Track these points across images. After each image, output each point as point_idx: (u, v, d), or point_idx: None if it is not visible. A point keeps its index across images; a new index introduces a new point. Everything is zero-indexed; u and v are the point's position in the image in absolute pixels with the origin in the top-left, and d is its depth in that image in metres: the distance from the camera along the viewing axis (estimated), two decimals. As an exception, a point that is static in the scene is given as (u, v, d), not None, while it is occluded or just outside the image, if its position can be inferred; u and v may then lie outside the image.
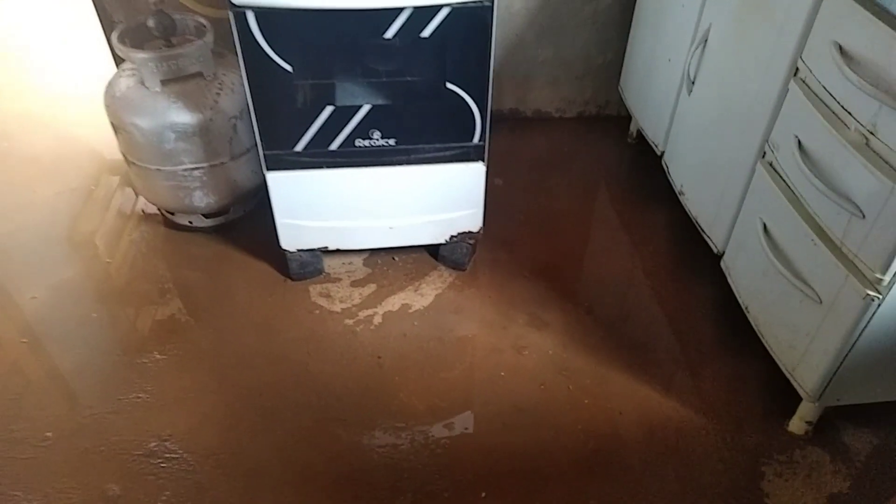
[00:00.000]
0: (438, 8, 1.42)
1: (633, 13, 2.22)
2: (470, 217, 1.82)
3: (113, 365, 1.64)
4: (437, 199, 1.76)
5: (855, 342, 1.23)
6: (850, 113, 1.18)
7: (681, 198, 1.92)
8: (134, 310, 1.79)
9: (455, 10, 1.42)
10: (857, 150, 1.15)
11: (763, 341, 1.51)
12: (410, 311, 1.80)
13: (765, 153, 1.46)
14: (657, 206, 2.15)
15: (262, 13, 1.38)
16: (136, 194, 2.12)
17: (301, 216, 1.74)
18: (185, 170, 1.79)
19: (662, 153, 2.05)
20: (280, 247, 1.80)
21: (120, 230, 2.03)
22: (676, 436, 1.51)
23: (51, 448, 1.46)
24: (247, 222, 2.05)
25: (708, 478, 1.43)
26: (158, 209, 2.06)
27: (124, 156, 1.87)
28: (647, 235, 2.07)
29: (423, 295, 1.85)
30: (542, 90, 2.49)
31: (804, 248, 1.32)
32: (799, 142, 1.31)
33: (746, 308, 1.57)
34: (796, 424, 1.49)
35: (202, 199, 1.87)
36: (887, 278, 1.13)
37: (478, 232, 1.86)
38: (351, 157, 1.64)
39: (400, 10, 1.41)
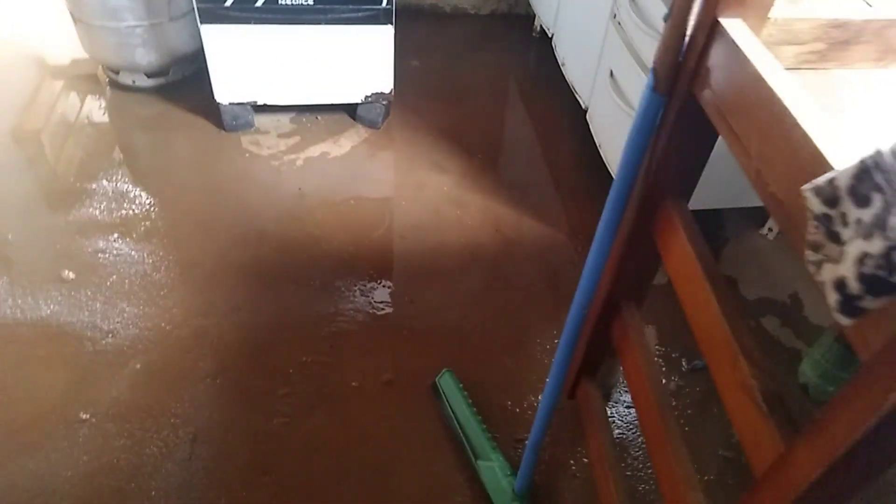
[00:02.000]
0: None
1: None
2: (381, 78, 2.11)
3: (70, 188, 1.90)
4: (351, 58, 2.04)
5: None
6: (661, -36, 1.52)
7: (562, 69, 2.26)
8: (86, 157, 2.04)
9: None
10: (664, -7, 1.49)
11: (611, 173, 1.87)
12: (329, 157, 2.10)
13: (615, 14, 1.80)
14: (549, 85, 2.48)
15: None
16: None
17: (233, 69, 2.00)
18: (128, 27, 2.02)
19: (552, 37, 2.37)
20: (215, 100, 2.07)
21: (70, 96, 2.26)
22: (541, 246, 1.87)
23: (12, 245, 1.73)
24: (186, 84, 2.30)
25: (562, 275, 1.80)
26: (104, 70, 2.28)
27: (71, 14, 2.08)
28: (538, 106, 2.41)
29: (340, 146, 2.15)
30: (460, -12, 2.78)
31: (634, 81, 1.67)
32: (631, -5, 1.65)
33: (600, 145, 1.93)
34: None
35: (144, 56, 2.11)
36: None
37: (389, 93, 2.15)
38: (275, 14, 1.90)
39: None
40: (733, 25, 0.67)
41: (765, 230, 1.95)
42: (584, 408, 1.12)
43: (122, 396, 1.42)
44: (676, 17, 0.69)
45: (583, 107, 2.09)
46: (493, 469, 1.33)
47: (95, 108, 2.19)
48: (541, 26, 2.65)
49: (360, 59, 2.06)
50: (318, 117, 2.24)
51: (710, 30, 0.67)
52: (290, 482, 1.32)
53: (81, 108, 2.19)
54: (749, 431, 0.60)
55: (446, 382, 1.49)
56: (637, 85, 1.65)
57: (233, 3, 1.86)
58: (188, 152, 2.08)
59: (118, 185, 1.93)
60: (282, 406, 1.44)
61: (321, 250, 1.79)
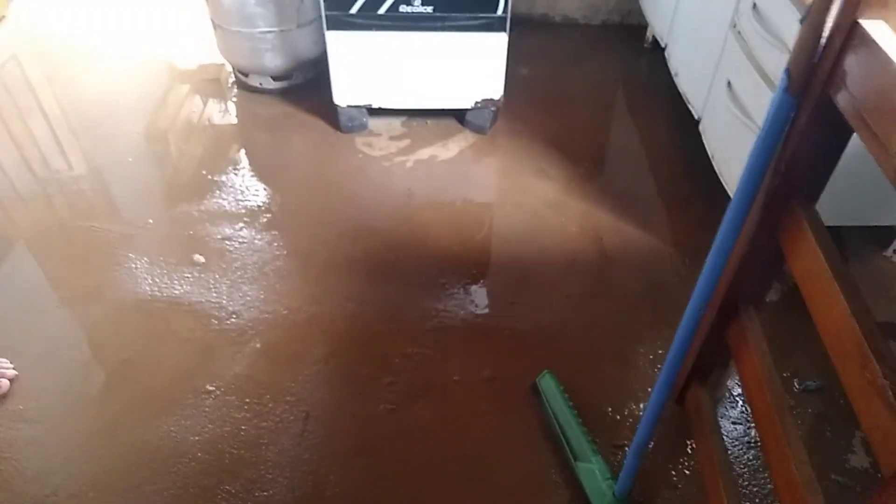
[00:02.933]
0: None
1: (654, -74, 2.50)
2: (492, 85, 2.16)
3: (201, 180, 2.08)
4: (464, 65, 2.11)
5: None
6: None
7: (675, 80, 2.23)
8: (217, 153, 2.22)
9: None
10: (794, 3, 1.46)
11: (724, 185, 1.83)
12: (437, 160, 2.17)
13: (735, 23, 1.76)
14: (659, 96, 2.45)
15: None
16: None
17: (352, 73, 2.12)
18: (260, 32, 2.19)
19: (665, 47, 2.34)
20: (333, 102, 2.19)
21: (203, 98, 2.46)
22: (644, 256, 1.85)
23: (152, 229, 1.91)
24: (307, 87, 2.45)
25: (666, 288, 1.77)
26: (235, 73, 2.47)
27: (212, 20, 2.27)
28: (646, 116, 2.39)
29: (448, 150, 2.21)
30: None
31: (755, 92, 1.63)
32: (754, 4, 1.61)
33: (713, 156, 1.89)
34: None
35: (272, 60, 2.27)
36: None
37: (499, 100, 2.20)
38: (396, 21, 2.00)
39: None
40: (875, 27, 0.66)
41: (889, 252, 1.84)
42: (693, 414, 1.11)
43: (243, 372, 1.54)
44: (814, 17, 0.69)
45: (695, 118, 2.05)
46: (592, 471, 1.33)
47: (225, 109, 2.38)
48: (653, 36, 2.63)
49: (473, 66, 2.12)
50: (428, 121, 2.32)
51: (849, 31, 0.66)
52: (392, 466, 1.38)
53: (213, 108, 2.38)
54: (879, 432, 0.59)
55: (546, 383, 1.50)
56: (757, 95, 1.61)
57: (358, 10, 1.97)
58: (307, 150, 2.21)
59: (244, 179, 2.08)
60: (387, 394, 1.51)
61: (427, 248, 1.86)
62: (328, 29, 2.01)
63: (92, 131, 2.27)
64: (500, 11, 1.99)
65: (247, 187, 2.05)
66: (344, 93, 2.17)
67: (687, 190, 2.07)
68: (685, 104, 2.14)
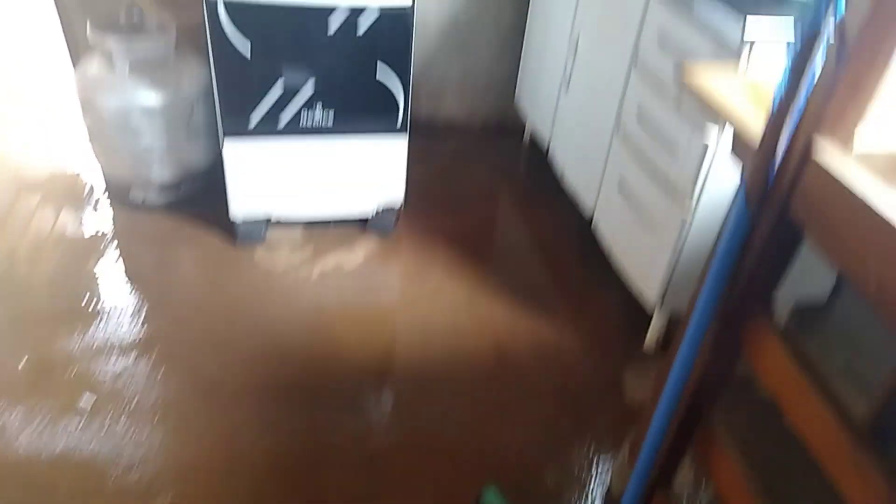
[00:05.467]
0: (369, 9, 1.81)
1: (523, 42, 2.71)
2: (394, 189, 2.18)
3: (81, 309, 1.86)
4: (366, 171, 2.11)
5: (679, 254, 1.67)
6: (664, 83, 1.65)
7: (563, 180, 2.37)
8: (96, 277, 2.01)
9: (384, 12, 1.82)
10: (673, 111, 1.61)
11: (622, 275, 1.94)
12: (344, 269, 2.11)
13: (618, 125, 1.92)
14: (545, 192, 2.60)
15: (231, 5, 1.73)
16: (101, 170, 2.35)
17: (250, 185, 2.04)
18: (146, 145, 2.06)
19: (548, 147, 2.50)
20: (228, 218, 2.08)
21: (74, 213, 2.25)
22: (556, 352, 1.89)
23: (24, 373, 1.65)
24: (195, 199, 2.31)
25: (591, 384, 1.81)
26: (110, 192, 2.29)
27: (89, 133, 2.11)
28: (537, 212, 2.51)
29: (354, 256, 2.17)
30: (453, 101, 2.93)
31: (644, 189, 1.76)
32: (638, 109, 1.78)
33: (610, 252, 2.00)
34: (650, 339, 1.91)
35: (159, 173, 2.13)
36: (692, 202, 1.58)
37: (401, 203, 2.21)
38: (296, 130, 1.97)
39: (338, 8, 1.79)
40: (829, 148, 0.70)
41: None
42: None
43: (153, 535, 1.33)
44: (766, 138, 0.75)
45: (587, 216, 2.18)
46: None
47: (103, 226, 2.18)
48: (531, 135, 2.80)
49: (374, 171, 2.12)
50: (329, 227, 2.27)
51: (804, 152, 0.72)
52: None
53: (83, 224, 2.18)
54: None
55: (491, 498, 1.44)
56: (651, 195, 1.74)
57: (257, 123, 1.92)
58: (202, 269, 2.06)
59: (131, 305, 1.89)
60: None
61: (346, 365, 1.77)
62: (225, 138, 1.94)
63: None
64: (399, 117, 2.03)
65: (135, 315, 1.86)
66: (241, 206, 2.08)
67: (587, 284, 2.16)
68: (575, 201, 2.28)
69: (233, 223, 2.11)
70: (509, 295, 2.07)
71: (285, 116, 1.94)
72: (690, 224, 1.61)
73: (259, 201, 2.09)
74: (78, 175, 2.39)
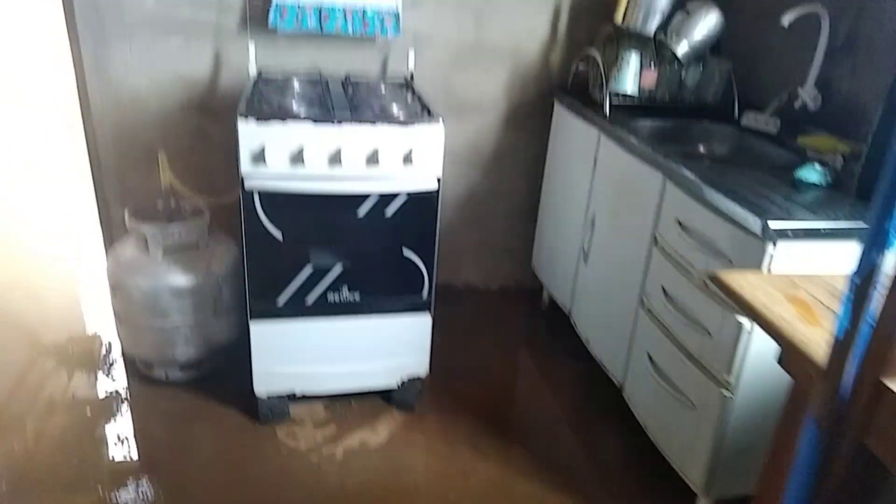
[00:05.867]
0: (399, 195, 1.91)
1: (538, 209, 2.84)
2: (419, 362, 2.17)
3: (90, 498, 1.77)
4: (391, 345, 2.12)
5: (724, 435, 1.62)
6: (692, 265, 1.69)
7: (587, 346, 2.36)
8: (112, 460, 1.95)
9: (411, 196, 1.92)
10: (700, 291, 1.64)
11: (661, 451, 1.87)
12: (368, 447, 2.05)
13: (643, 301, 1.95)
14: (568, 356, 2.58)
15: (265, 195, 1.83)
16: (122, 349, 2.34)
17: (275, 362, 2.04)
18: (174, 325, 2.08)
19: (570, 312, 2.52)
20: (249, 391, 2.06)
21: (93, 390, 2.22)
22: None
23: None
24: (217, 375, 2.29)
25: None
26: (129, 367, 2.28)
27: (116, 313, 2.14)
28: (562, 378, 2.47)
29: (378, 433, 2.11)
30: (470, 267, 3.00)
31: (677, 366, 1.75)
32: (663, 289, 1.81)
33: (645, 425, 1.95)
34: (698, 525, 1.81)
35: (183, 352, 2.13)
36: (733, 379, 1.56)
37: (425, 377, 2.19)
38: (323, 309, 2.00)
39: (370, 195, 1.89)
40: None
41: None
42: None
43: None
44: (832, 369, 0.76)
45: (616, 384, 2.15)
46: None
47: (122, 405, 2.14)
48: (549, 298, 2.84)
49: (398, 346, 2.13)
50: (353, 403, 2.23)
51: (876, 387, 0.72)
52: None
53: (103, 400, 2.14)
54: None
55: None
56: (685, 371, 1.73)
57: (285, 302, 1.95)
58: (224, 449, 2.00)
59: (151, 492, 1.81)
60: None
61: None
62: (252, 319, 1.96)
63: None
64: (425, 294, 2.06)
65: (155, 501, 1.77)
66: (265, 382, 2.06)
67: (623, 458, 2.09)
68: (602, 368, 2.26)
69: (256, 399, 2.08)
70: (542, 474, 1.98)
71: (312, 297, 1.98)
72: (732, 401, 1.58)
73: (283, 377, 2.07)
74: (97, 346, 2.40)
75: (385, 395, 2.25)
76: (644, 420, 1.96)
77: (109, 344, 2.42)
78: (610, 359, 2.19)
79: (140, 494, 1.80)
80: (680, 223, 1.74)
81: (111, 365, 2.32)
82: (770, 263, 1.45)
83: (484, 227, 2.93)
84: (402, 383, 2.18)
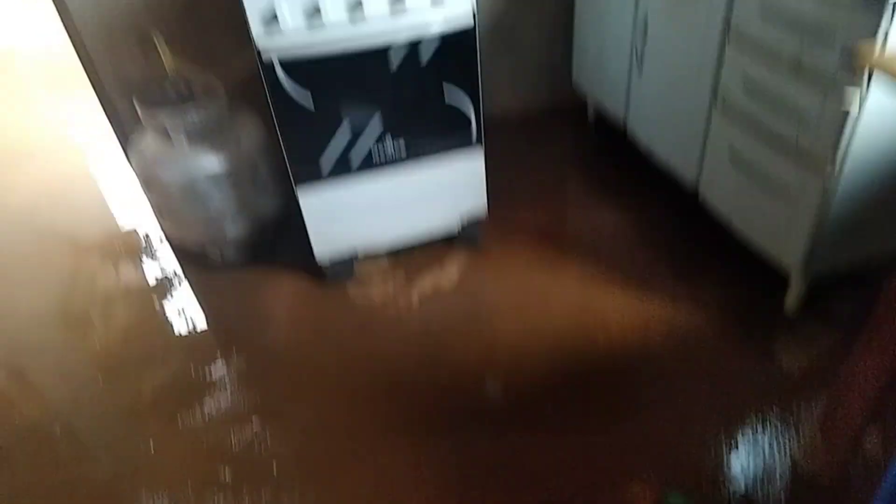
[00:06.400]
0: (428, 39, 1.70)
1: (573, 20, 2.57)
2: (476, 202, 2.07)
3: (191, 380, 1.81)
4: (446, 189, 2.01)
5: (824, 219, 1.53)
6: (780, 51, 1.51)
7: (650, 154, 2.23)
8: (197, 343, 1.96)
9: (445, 38, 1.71)
10: (793, 77, 1.48)
11: (750, 243, 1.80)
12: (442, 289, 2.02)
13: (716, 96, 1.78)
14: (625, 169, 2.47)
15: (287, 64, 1.63)
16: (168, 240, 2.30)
17: (331, 227, 1.95)
18: (217, 209, 1.99)
19: (625, 123, 2.36)
20: (310, 256, 2.01)
21: (161, 280, 2.21)
22: (691, 335, 1.77)
23: (156, 456, 1.61)
24: (273, 247, 2.25)
25: (729, 365, 1.69)
26: (180, 254, 2.24)
27: (155, 207, 2.06)
28: (622, 191, 2.38)
29: (449, 274, 2.07)
30: (507, 94, 2.81)
31: (767, 157, 1.63)
32: (743, 80, 1.64)
33: (729, 223, 1.87)
34: (791, 303, 1.78)
35: (232, 229, 2.07)
36: (836, 164, 1.44)
37: (484, 213, 2.11)
38: (370, 166, 1.88)
39: (394, 45, 1.68)
40: None
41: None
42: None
43: None
44: None
45: (689, 188, 2.04)
46: None
47: (180, 286, 2.13)
48: (595, 112, 2.67)
49: (454, 187, 2.02)
50: (415, 250, 2.18)
51: None
52: None
53: (161, 288, 2.13)
54: None
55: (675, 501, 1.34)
56: (777, 164, 1.60)
57: (329, 169, 1.84)
58: (299, 315, 2.00)
59: (241, 365, 1.83)
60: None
61: (473, 386, 1.68)
62: (299, 187, 1.85)
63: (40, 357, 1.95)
64: (473, 131, 1.92)
65: (247, 375, 1.80)
66: (325, 248, 2.00)
67: (700, 258, 2.03)
68: (663, 171, 2.15)
69: (319, 267, 2.04)
70: (621, 285, 1.95)
71: (357, 156, 1.84)
72: (835, 189, 1.48)
73: (342, 240, 2.00)
74: (139, 239, 2.36)
75: (447, 241, 2.19)
76: (727, 216, 1.88)
77: (149, 236, 2.37)
78: (680, 162, 2.07)
79: (231, 366, 1.83)
80: (762, 9, 1.52)
81: (158, 253, 2.29)
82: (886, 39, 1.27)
83: (515, 48, 2.69)
84: (463, 226, 2.11)
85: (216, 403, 1.73)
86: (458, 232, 2.13)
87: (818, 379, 1.62)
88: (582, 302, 1.92)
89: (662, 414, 1.58)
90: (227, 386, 1.78)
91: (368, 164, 1.88)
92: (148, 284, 2.17)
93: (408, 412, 1.64)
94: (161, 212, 2.07)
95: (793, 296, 1.76)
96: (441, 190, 2.01)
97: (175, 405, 1.73)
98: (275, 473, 1.53)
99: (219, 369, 1.83)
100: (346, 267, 2.07)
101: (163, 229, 2.12)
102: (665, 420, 1.57)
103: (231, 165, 1.95)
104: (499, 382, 1.70)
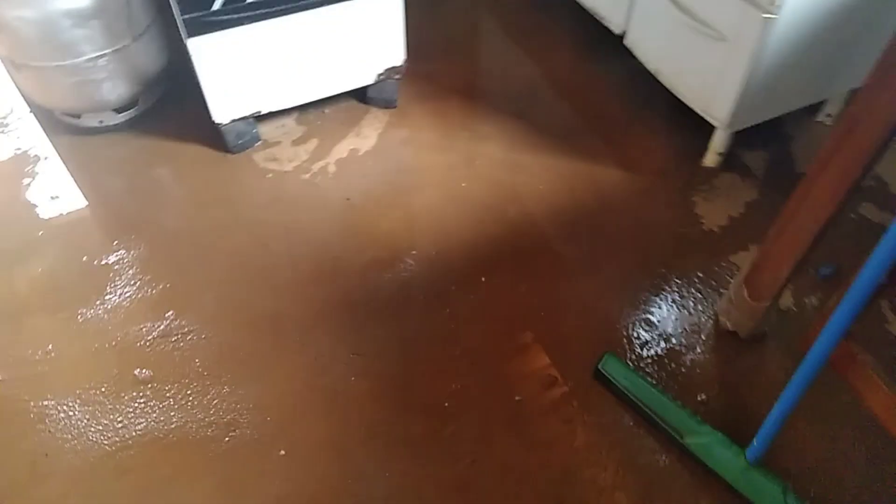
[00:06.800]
0: None
1: None
2: (393, 49, 1.87)
3: (83, 270, 1.60)
4: (358, 35, 1.79)
5: (758, 64, 1.49)
6: None
7: (573, -2, 2.09)
8: (89, 229, 1.72)
9: None
10: None
11: (678, 95, 1.76)
12: (360, 153, 1.87)
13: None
14: (552, 16, 2.31)
15: None
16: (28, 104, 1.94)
17: (229, 81, 1.71)
18: (89, 60, 1.67)
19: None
20: (212, 121, 1.77)
21: (31, 158, 1.87)
22: (617, 193, 1.76)
23: (58, 359, 1.44)
24: (161, 110, 1.96)
25: (652, 215, 1.70)
26: (48, 122, 1.90)
27: (10, 60, 1.69)
28: (548, 41, 2.24)
29: (366, 137, 1.91)
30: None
31: (703, -3, 1.54)
32: None
33: (657, 71, 1.80)
34: (711, 158, 1.79)
35: (112, 90, 1.76)
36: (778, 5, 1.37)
37: (402, 65, 1.92)
38: (269, 7, 1.61)
39: None
40: None
41: (822, 117, 1.92)
42: (849, 370, 1.06)
43: (284, 492, 1.24)
44: None
45: (617, 32, 1.93)
46: (709, 444, 1.26)
47: (61, 165, 1.83)
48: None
49: (368, 34, 1.80)
50: (326, 111, 1.98)
51: None
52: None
53: (43, 167, 1.83)
54: None
55: (612, 366, 1.38)
56: (710, 1, 1.52)
57: (221, 5, 1.55)
58: (202, 188, 1.79)
59: (140, 251, 1.64)
60: (455, 446, 1.30)
61: (406, 263, 1.61)
62: (189, 36, 1.57)
63: None
64: (388, -35, 1.68)
65: (149, 261, 1.61)
66: (224, 106, 1.75)
67: (627, 112, 1.98)
68: (590, 16, 2.02)
69: (220, 131, 1.80)
70: (547, 145, 1.88)
71: (254, -10, 1.57)
72: (772, 33, 1.42)
73: (243, 96, 1.76)
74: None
75: (359, 96, 1.99)
76: (656, 66, 1.81)
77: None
78: (607, 6, 1.94)
79: (129, 251, 1.63)
80: None
81: (16, 122, 1.93)
82: None
83: None
84: (379, 76, 1.91)
85: (119, 295, 1.55)
86: (373, 86, 1.94)
87: (740, 234, 1.67)
88: (506, 162, 1.84)
89: (587, 273, 1.59)
90: (129, 274, 1.59)
91: (268, 2, 1.60)
92: (6, 161, 1.85)
93: (336, 293, 1.55)
94: (15, 65, 1.70)
95: (715, 150, 1.77)
96: (354, 37, 1.79)
97: (70, 300, 1.54)
98: (199, 368, 1.41)
99: (116, 256, 1.63)
100: (248, 128, 1.85)
101: (20, 91, 1.76)
102: (589, 279, 1.58)
103: (96, 1, 1.60)
104: (426, 253, 1.63)
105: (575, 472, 1.26)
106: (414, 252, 1.62)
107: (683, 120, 1.82)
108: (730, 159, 1.81)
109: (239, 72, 1.70)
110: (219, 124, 1.78)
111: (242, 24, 1.61)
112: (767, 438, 1.17)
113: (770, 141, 1.88)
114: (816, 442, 1.29)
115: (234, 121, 1.79)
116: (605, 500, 1.22)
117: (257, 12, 1.61)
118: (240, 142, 1.85)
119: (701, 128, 1.75)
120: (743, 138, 1.80)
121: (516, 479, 1.25)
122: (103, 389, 1.38)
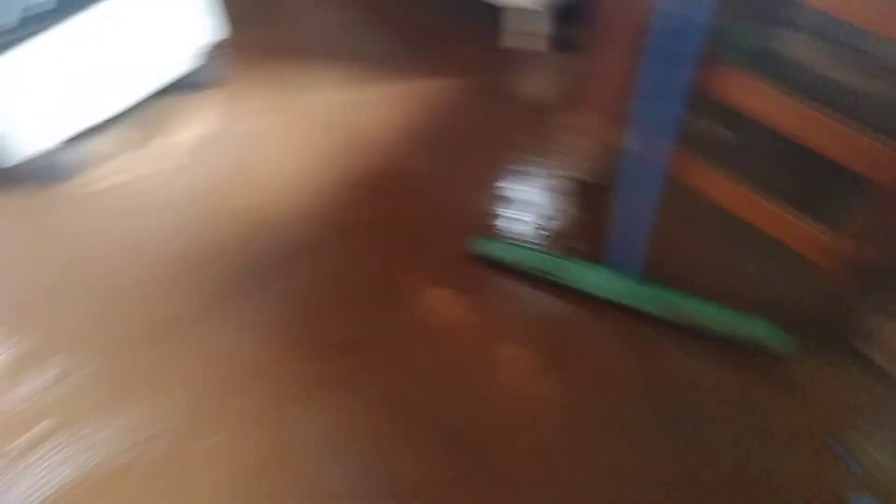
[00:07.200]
0: None
1: None
2: (209, 26, 1.77)
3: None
4: (165, 21, 1.67)
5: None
6: None
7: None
8: None
9: None
10: None
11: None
12: (204, 139, 1.80)
13: None
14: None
15: None
16: None
17: (11, 116, 1.52)
18: None
19: None
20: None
21: None
22: (449, 98, 1.86)
23: None
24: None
25: (484, 108, 1.82)
26: None
27: None
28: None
29: (205, 122, 1.85)
30: None
31: None
32: None
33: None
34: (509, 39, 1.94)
35: None
36: None
37: (223, 39, 1.83)
38: (40, 22, 1.46)
39: None
40: None
41: None
42: (690, 174, 1.22)
43: (231, 474, 1.22)
44: None
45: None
46: (588, 275, 1.38)
47: None
48: None
49: (175, 17, 1.69)
50: (157, 106, 1.86)
51: None
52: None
53: None
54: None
55: (487, 244, 1.48)
56: None
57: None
58: (22, 240, 1.63)
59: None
60: (369, 371, 1.34)
61: (277, 228, 1.60)
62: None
63: None
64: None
65: (10, 321, 1.48)
66: (17, 144, 1.56)
67: (444, 27, 2.08)
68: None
69: (13, 172, 1.62)
70: (379, 77, 1.94)
71: (12, 18, 1.41)
72: None
73: (37, 128, 1.57)
74: None
75: (192, 80, 1.87)
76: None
77: None
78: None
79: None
80: None
81: None
82: None
83: None
84: (201, 58, 1.81)
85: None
86: (202, 70, 1.84)
87: (569, 100, 1.79)
88: (345, 103, 1.87)
89: (444, 177, 1.67)
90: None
91: (30, 18, 1.45)
92: None
93: (223, 277, 1.51)
94: None
95: (511, 30, 1.88)
96: (160, 24, 1.67)
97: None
98: (103, 399, 1.33)
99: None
100: (52, 161, 1.66)
101: None
102: (447, 182, 1.66)
103: None
104: (293, 211, 1.63)
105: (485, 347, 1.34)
106: (282, 214, 1.61)
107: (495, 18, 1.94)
108: (553, 41, 1.95)
109: (21, 101, 1.52)
110: (17, 167, 1.59)
111: (8, 48, 1.46)
112: (637, 253, 1.30)
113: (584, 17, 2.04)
114: (683, 247, 1.46)
115: (31, 160, 1.60)
116: (524, 355, 1.32)
117: (24, 31, 1.46)
118: (51, 177, 1.68)
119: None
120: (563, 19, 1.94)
121: (440, 376, 1.32)
122: (14, 454, 1.28)
